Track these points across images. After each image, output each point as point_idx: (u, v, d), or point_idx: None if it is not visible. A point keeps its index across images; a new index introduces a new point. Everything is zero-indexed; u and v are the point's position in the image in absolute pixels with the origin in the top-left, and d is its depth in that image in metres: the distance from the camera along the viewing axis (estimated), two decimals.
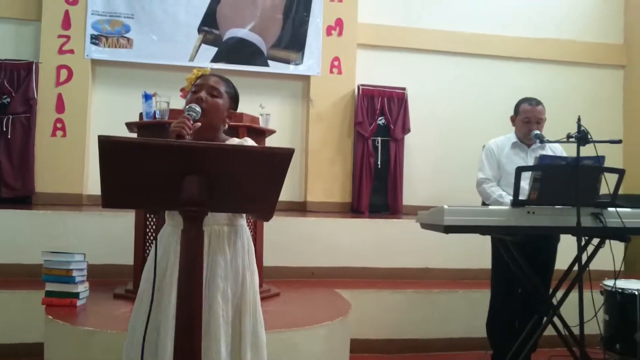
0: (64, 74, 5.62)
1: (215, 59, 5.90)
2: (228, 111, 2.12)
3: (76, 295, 3.25)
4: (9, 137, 5.34)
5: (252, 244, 2.14)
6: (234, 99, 2.17)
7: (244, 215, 2.12)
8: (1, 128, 5.32)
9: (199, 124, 1.95)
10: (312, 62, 6.10)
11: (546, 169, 3.03)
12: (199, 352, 1.65)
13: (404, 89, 6.14)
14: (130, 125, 3.70)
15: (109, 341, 2.15)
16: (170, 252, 2.00)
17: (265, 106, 4.31)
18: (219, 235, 2.01)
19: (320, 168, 6.04)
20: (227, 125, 2.15)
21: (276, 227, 4.36)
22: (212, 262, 1.97)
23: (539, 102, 3.61)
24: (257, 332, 2.07)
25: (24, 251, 4.06)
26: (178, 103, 3.31)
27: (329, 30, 6.13)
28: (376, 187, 6.08)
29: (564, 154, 3.52)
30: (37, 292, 3.39)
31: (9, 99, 5.39)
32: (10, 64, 5.43)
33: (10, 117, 5.35)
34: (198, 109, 1.97)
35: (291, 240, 4.60)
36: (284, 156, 1.64)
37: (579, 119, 3.02)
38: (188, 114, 1.93)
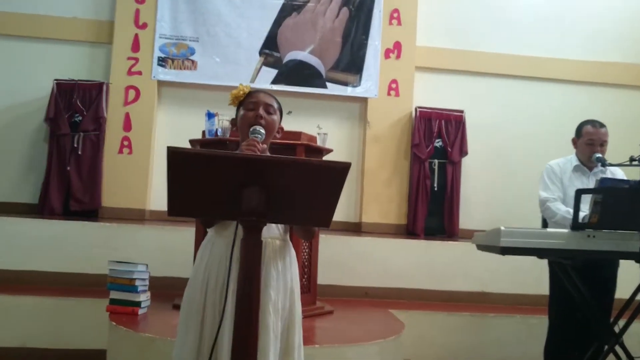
0: (132, 94, 5.88)
1: (275, 81, 6.06)
2: (278, 127, 2.18)
3: (138, 304, 3.39)
4: (80, 153, 5.61)
5: (296, 261, 2.17)
6: (282, 114, 2.21)
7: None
8: (72, 144, 5.60)
9: (266, 146, 2.02)
10: (369, 84, 6.17)
11: (607, 192, 2.97)
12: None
13: (462, 111, 6.12)
14: (193, 143, 3.85)
15: (168, 348, 2.23)
16: (227, 266, 1.96)
17: (323, 127, 4.39)
18: (272, 248, 2.03)
19: (376, 189, 6.06)
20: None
21: (331, 246, 4.43)
22: (265, 274, 1.98)
23: (602, 125, 3.54)
24: (301, 346, 2.10)
25: (90, 261, 4.24)
26: None
27: (387, 53, 6.19)
28: (432, 209, 6.04)
29: (625, 179, 3.44)
30: (102, 300, 3.55)
31: (80, 118, 5.67)
32: (83, 85, 5.73)
33: (82, 134, 5.63)
34: (263, 130, 2.01)
35: (346, 259, 4.63)
36: (341, 170, 1.69)
37: None
38: (255, 137, 1.98)
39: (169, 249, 4.35)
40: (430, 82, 6.28)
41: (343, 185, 1.70)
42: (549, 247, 2.94)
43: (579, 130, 3.60)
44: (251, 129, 2.02)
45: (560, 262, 3.20)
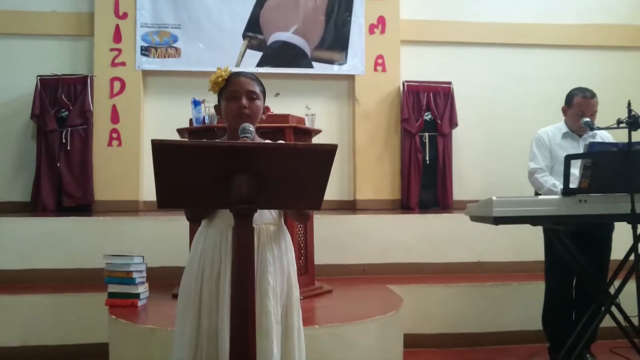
0: (117, 85, 5.84)
1: (260, 63, 6.01)
2: (263, 108, 2.13)
3: (137, 295, 3.39)
4: (69, 148, 5.58)
5: (292, 245, 2.17)
6: (265, 95, 2.15)
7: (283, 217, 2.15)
8: (61, 140, 5.57)
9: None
10: (355, 61, 6.14)
11: (596, 156, 2.98)
12: (254, 348, 1.70)
13: (449, 83, 6.10)
14: (181, 131, 3.84)
15: (170, 338, 2.24)
16: (222, 255, 2.00)
17: (311, 107, 4.38)
18: (267, 234, 2.03)
19: (369, 166, 6.07)
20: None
21: (327, 225, 4.44)
22: (261, 260, 1.99)
23: (593, 94, 3.52)
24: (300, 328, 2.12)
25: (87, 256, 4.23)
26: None
27: (371, 29, 6.15)
28: (425, 182, 6.06)
29: (613, 142, 3.46)
30: (100, 294, 3.56)
31: (67, 113, 5.63)
32: (67, 79, 5.68)
33: (69, 129, 5.60)
34: (252, 128, 1.96)
35: (342, 238, 4.64)
36: (327, 152, 1.69)
37: (629, 104, 2.97)
38: (245, 136, 1.92)
39: (164, 239, 4.36)
40: (416, 55, 6.26)
41: (331, 168, 1.70)
42: (542, 215, 2.98)
43: (570, 99, 3.58)
44: (240, 129, 1.95)
45: (553, 228, 3.22)
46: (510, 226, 3.23)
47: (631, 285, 3.03)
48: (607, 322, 3.23)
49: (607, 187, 2.98)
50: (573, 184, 2.99)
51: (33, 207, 5.50)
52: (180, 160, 1.65)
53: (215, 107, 2.20)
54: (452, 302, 4.20)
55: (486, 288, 4.28)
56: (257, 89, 2.09)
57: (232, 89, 2.06)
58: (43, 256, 4.32)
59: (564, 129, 3.61)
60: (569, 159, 2.99)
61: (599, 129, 3.36)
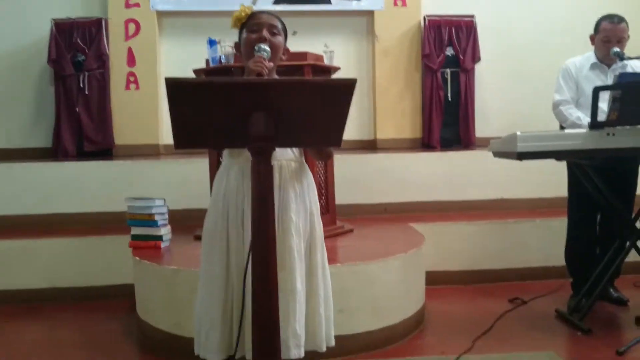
0: (132, 27, 5.74)
1: (277, 1, 5.85)
2: (283, 48, 2.10)
3: (159, 237, 3.43)
4: (87, 93, 5.55)
5: (314, 183, 2.15)
6: (286, 35, 2.13)
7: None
8: (79, 85, 5.54)
9: (272, 64, 1.97)
10: None
11: (626, 87, 2.88)
12: (276, 285, 1.68)
13: (472, 16, 5.89)
14: (197, 72, 3.78)
15: (193, 279, 2.26)
16: (245, 192, 1.97)
17: (330, 45, 4.28)
18: (288, 170, 2.02)
19: (389, 104, 5.96)
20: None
21: (348, 165, 4.42)
22: (284, 196, 1.99)
23: (621, 20, 3.37)
24: (325, 265, 2.13)
25: (109, 200, 4.29)
26: None
27: None
28: (447, 120, 5.94)
29: None
30: (123, 237, 3.61)
31: (83, 57, 5.57)
32: (81, 22, 5.59)
33: (86, 73, 5.54)
34: (268, 48, 1.95)
35: (363, 177, 4.63)
36: (346, 87, 1.63)
37: None
38: (260, 54, 1.92)
39: (185, 181, 4.38)
40: None
41: (350, 102, 1.65)
42: (567, 149, 2.91)
43: (597, 26, 3.45)
44: (256, 47, 1.95)
45: (578, 162, 3.15)
46: (533, 162, 3.16)
47: None
48: (631, 256, 3.20)
49: (637, 119, 2.88)
50: (600, 118, 2.90)
51: (54, 152, 5.53)
52: (195, 98, 1.61)
53: (235, 43, 2.17)
54: (474, 239, 4.20)
55: (509, 225, 4.25)
56: (279, 25, 2.08)
57: (254, 22, 2.05)
58: (66, 200, 4.39)
59: (593, 59, 3.48)
60: (597, 90, 2.89)
61: (629, 58, 3.23)
